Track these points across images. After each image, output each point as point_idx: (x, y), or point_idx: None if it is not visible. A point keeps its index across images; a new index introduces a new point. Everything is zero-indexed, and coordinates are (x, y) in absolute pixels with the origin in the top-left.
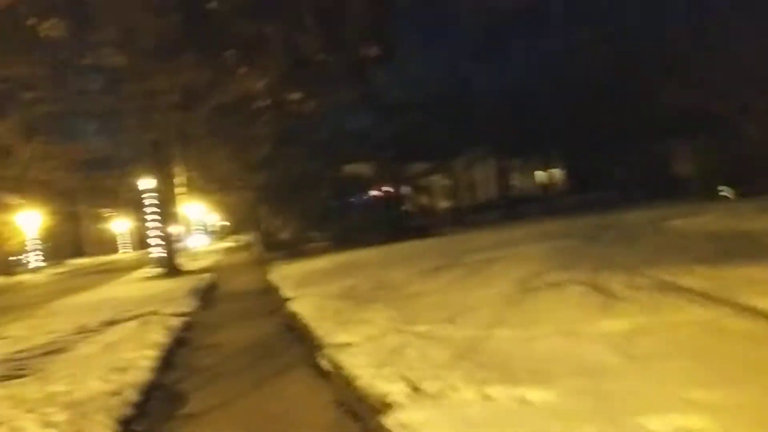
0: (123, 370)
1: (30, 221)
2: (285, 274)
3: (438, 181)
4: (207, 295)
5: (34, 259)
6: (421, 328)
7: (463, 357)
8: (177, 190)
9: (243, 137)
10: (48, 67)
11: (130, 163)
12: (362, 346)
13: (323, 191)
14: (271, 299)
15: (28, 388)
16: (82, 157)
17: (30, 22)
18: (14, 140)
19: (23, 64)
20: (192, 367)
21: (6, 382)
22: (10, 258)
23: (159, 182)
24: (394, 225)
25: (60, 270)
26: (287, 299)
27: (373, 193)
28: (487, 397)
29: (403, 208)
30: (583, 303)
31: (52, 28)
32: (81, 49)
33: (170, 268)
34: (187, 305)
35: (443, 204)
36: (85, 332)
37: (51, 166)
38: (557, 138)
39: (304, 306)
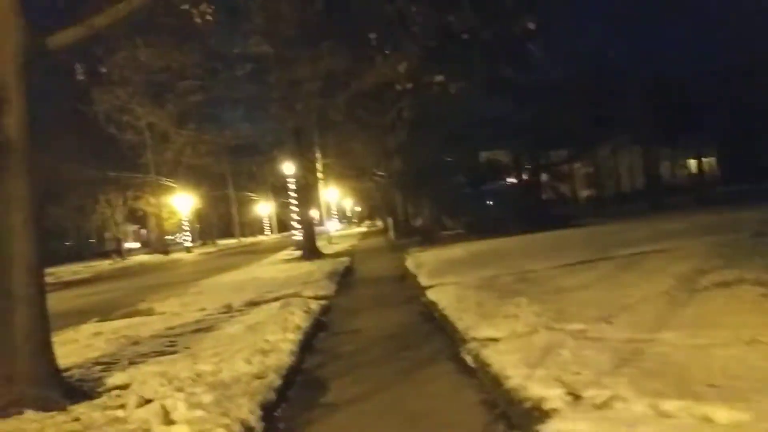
0: (266, 352)
1: (183, 203)
2: (420, 261)
3: (579, 169)
4: (344, 279)
5: (186, 239)
6: (574, 326)
7: (626, 362)
8: (316, 176)
9: (380, 124)
10: (200, 57)
11: (273, 149)
12: (510, 343)
13: (458, 178)
14: (407, 286)
15: (178, 366)
16: (229, 143)
17: (183, 6)
18: (170, 127)
19: (178, 54)
20: (331, 353)
21: (160, 358)
22: (167, 237)
23: (299, 168)
24: (532, 214)
25: (209, 250)
26: (425, 287)
27: (510, 180)
28: (663, 414)
29: (542, 196)
30: (763, 307)
31: (204, 14)
32: (230, 38)
33: (309, 251)
34: (326, 288)
35: (584, 193)
36: (230, 311)
37: (202, 152)
38: (711, 125)
39: (442, 295)
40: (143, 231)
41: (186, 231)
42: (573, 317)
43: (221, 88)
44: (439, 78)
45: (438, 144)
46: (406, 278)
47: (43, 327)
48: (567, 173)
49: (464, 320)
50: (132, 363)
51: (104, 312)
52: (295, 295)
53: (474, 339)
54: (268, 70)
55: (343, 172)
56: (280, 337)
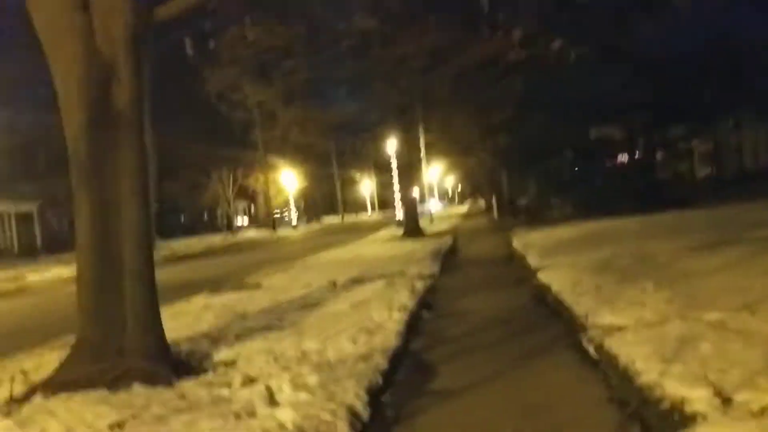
0: (371, 332)
1: (290, 181)
2: (528, 242)
3: (697, 146)
4: (448, 258)
5: (293, 216)
6: (712, 315)
7: None
8: (419, 154)
9: (485, 99)
10: (306, 34)
11: (377, 126)
12: (638, 333)
13: (567, 156)
14: (515, 268)
15: (284, 343)
16: (334, 121)
17: None
18: (277, 106)
19: (284, 31)
20: (439, 336)
21: (267, 334)
22: (274, 214)
23: (402, 145)
24: (645, 194)
25: (314, 227)
26: (535, 269)
27: (622, 158)
28: None
29: (656, 175)
30: None
31: None
32: (335, 15)
33: (411, 229)
34: (430, 268)
35: (702, 172)
36: (335, 288)
37: (308, 130)
38: None
39: (556, 277)
40: (252, 208)
41: (292, 208)
42: (708, 305)
43: (326, 65)
44: (557, 44)
45: (546, 120)
46: (513, 259)
47: (151, 300)
48: (684, 151)
49: (582, 304)
50: (239, 338)
51: (215, 285)
52: (400, 273)
53: (595, 326)
54: (372, 46)
55: (446, 150)
56: (385, 316)
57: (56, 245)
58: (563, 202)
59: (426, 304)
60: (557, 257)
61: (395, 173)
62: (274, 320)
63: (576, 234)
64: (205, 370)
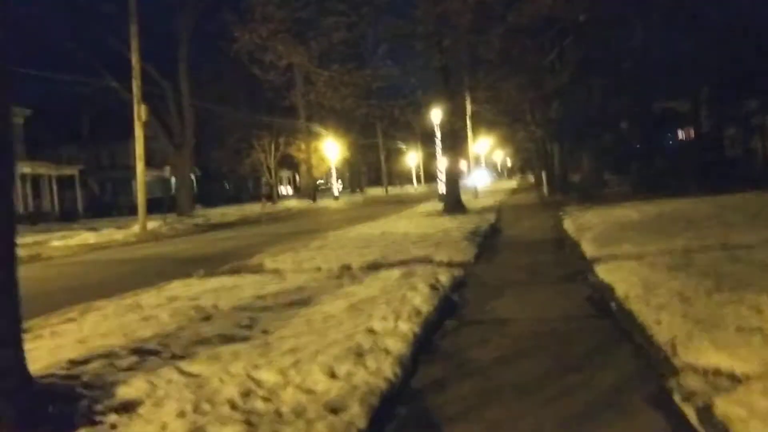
0: (361, 354)
1: (333, 150)
2: (582, 223)
3: None
4: (487, 240)
5: (335, 186)
6: None
7: None
8: (464, 123)
9: (538, 65)
10: None
11: (418, 92)
12: None
13: (626, 129)
14: (566, 255)
15: (232, 369)
16: (371, 85)
17: None
18: (311, 68)
19: None
20: (458, 362)
21: (221, 348)
22: (318, 184)
23: (447, 114)
24: (713, 173)
25: (357, 198)
26: (591, 260)
27: (687, 133)
28: None
29: (725, 152)
30: None
31: None
32: None
33: (451, 205)
34: (464, 252)
35: None
36: (342, 276)
37: (344, 94)
38: None
39: (620, 276)
40: (297, 177)
41: (336, 178)
42: None
43: (365, 24)
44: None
45: (604, 89)
46: (564, 244)
47: (6, 310)
48: (760, 126)
49: (665, 326)
50: (174, 357)
51: (220, 262)
52: (425, 259)
53: (692, 369)
54: (414, 2)
55: (494, 120)
56: (389, 327)
57: (98, 209)
58: (619, 180)
59: (449, 305)
60: (619, 245)
61: (440, 144)
62: (242, 325)
63: (638, 217)
64: (89, 418)
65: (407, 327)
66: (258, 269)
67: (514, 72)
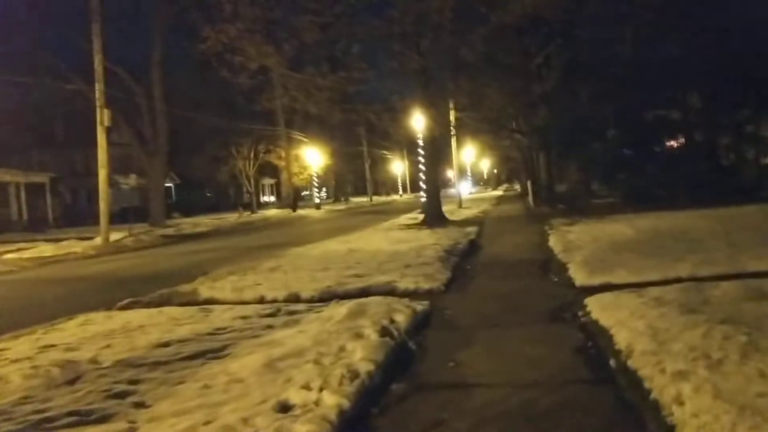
0: None
1: (315, 158)
2: (570, 241)
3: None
4: (465, 260)
5: (317, 195)
6: None
7: None
8: (447, 130)
9: (523, 70)
10: None
11: (396, 97)
12: None
13: (615, 137)
14: (552, 282)
15: None
16: (348, 88)
17: None
18: (282, 70)
19: None
20: None
21: None
22: (303, 193)
23: (429, 120)
24: (707, 184)
25: (338, 207)
26: (581, 288)
27: (678, 142)
28: None
29: (722, 162)
30: None
31: None
32: None
33: (432, 216)
34: (435, 277)
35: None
36: (279, 313)
37: (319, 99)
38: None
39: (620, 318)
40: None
41: (316, 187)
42: None
43: (340, 25)
44: None
45: (592, 96)
46: (549, 267)
47: None
48: (754, 135)
49: (690, 410)
50: None
51: (167, 282)
52: (387, 287)
53: None
54: (391, 1)
55: (478, 128)
56: (310, 400)
57: (71, 218)
58: (608, 190)
59: (403, 356)
60: (614, 271)
61: (422, 152)
62: (113, 394)
63: (632, 234)
64: None
65: (334, 400)
66: (189, 298)
67: (498, 77)
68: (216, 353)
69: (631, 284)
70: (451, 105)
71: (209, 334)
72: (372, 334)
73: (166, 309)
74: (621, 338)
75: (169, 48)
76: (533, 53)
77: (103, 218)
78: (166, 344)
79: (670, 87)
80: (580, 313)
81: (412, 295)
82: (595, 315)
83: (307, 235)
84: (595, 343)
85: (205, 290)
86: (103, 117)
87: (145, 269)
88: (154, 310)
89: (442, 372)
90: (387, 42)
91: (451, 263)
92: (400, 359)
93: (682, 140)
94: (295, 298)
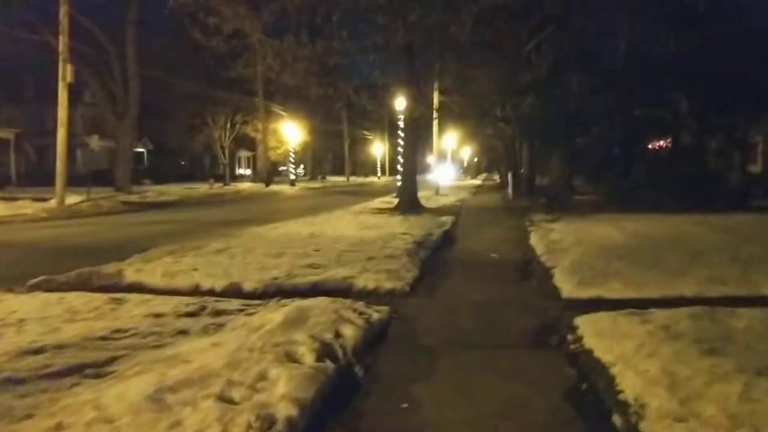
0: None
1: (292, 133)
2: (554, 241)
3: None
4: (436, 255)
5: (293, 172)
6: None
7: None
8: (430, 111)
9: (512, 55)
10: None
11: (377, 73)
12: None
13: (604, 133)
14: (535, 290)
15: None
16: (327, 60)
17: None
18: (257, 36)
19: None
20: None
21: None
22: (280, 168)
23: (411, 100)
24: (696, 187)
25: (314, 185)
26: (570, 304)
27: (666, 142)
28: None
29: (711, 166)
30: None
31: None
32: None
33: (406, 203)
34: (400, 274)
35: (753, 167)
36: (201, 314)
37: (293, 69)
38: None
39: (622, 352)
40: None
41: (292, 163)
42: None
43: None
44: None
45: (583, 87)
46: (531, 270)
47: None
48: (744, 140)
49: None
50: None
51: (112, 255)
52: (342, 284)
53: None
54: None
55: (462, 114)
56: None
57: (34, 178)
58: (593, 188)
59: (343, 387)
60: (607, 283)
61: (402, 134)
62: None
63: (622, 238)
64: None
65: None
66: (111, 281)
67: (487, 60)
68: (97, 369)
69: (627, 301)
70: (436, 86)
71: (102, 338)
72: (307, 355)
73: (70, 296)
74: (628, 385)
75: (146, 10)
76: (525, 40)
77: (59, 180)
78: (39, 350)
79: (661, 86)
80: (569, 338)
81: (371, 295)
82: (588, 343)
83: (273, 213)
84: (592, 386)
85: (132, 272)
86: (66, 72)
87: (89, 238)
88: (54, 296)
89: (391, 419)
90: (372, 14)
91: (420, 258)
92: (339, 394)
93: (669, 141)
94: (234, 290)
